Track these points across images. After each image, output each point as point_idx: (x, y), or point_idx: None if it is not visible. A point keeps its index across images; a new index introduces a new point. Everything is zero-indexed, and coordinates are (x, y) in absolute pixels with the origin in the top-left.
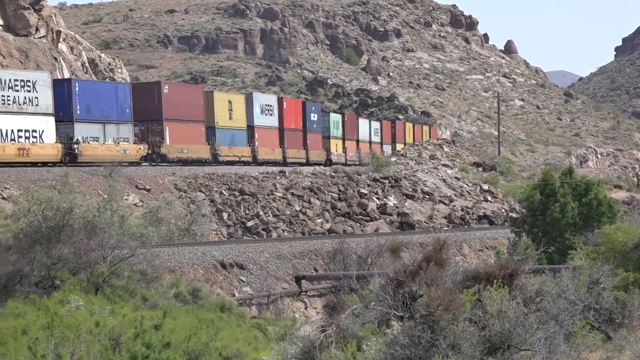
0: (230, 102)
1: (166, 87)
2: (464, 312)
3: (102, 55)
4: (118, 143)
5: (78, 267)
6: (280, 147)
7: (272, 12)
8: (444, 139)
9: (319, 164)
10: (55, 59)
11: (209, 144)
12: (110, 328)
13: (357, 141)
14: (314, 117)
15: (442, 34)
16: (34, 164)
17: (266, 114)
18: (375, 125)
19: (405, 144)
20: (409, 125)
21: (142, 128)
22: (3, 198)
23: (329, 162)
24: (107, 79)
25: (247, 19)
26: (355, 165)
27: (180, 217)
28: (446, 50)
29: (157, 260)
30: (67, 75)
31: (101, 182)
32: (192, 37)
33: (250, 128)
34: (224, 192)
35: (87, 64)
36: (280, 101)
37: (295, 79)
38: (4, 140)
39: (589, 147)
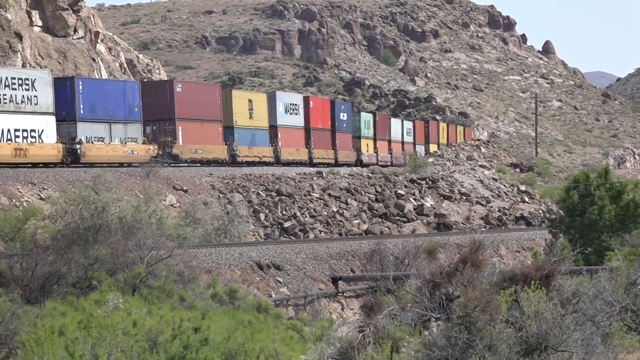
0: (250, 101)
1: (179, 85)
2: (500, 313)
3: (140, 56)
4: (125, 143)
5: (115, 267)
6: (307, 147)
7: (310, 12)
8: (478, 139)
9: (348, 165)
10: (94, 59)
11: (226, 144)
12: (147, 329)
13: (389, 141)
14: (343, 116)
15: (479, 35)
16: (35, 165)
17: (291, 114)
18: (408, 125)
19: (438, 145)
20: (442, 125)
21: (155, 128)
22: (41, 199)
23: (359, 163)
24: (145, 80)
25: (285, 20)
26: (387, 165)
27: (217, 218)
28: (484, 51)
29: (194, 261)
30: (105, 76)
31: (139, 182)
32: (230, 38)
33: (273, 128)
34: (261, 192)
35: (125, 65)
36: (306, 100)
37: (332, 80)
38: (0, 140)
39: (627, 148)
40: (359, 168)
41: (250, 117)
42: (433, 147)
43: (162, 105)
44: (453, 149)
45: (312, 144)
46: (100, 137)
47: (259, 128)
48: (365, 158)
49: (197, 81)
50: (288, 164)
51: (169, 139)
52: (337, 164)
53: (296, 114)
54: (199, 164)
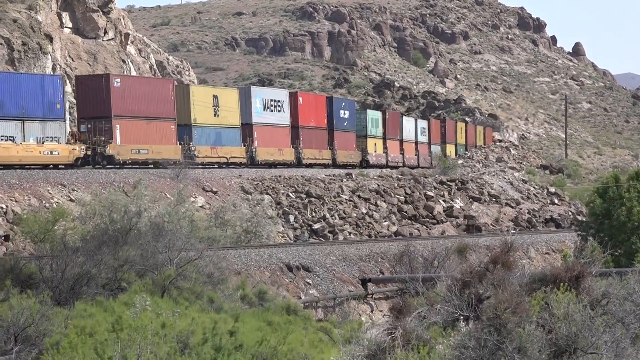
0: (215, 97)
1: (117, 79)
2: (530, 315)
3: (170, 57)
4: (42, 143)
5: (145, 269)
6: (293, 147)
7: (340, 14)
8: (499, 140)
9: (351, 166)
10: (124, 61)
11: (181, 144)
12: (177, 330)
13: (401, 141)
14: (344, 114)
15: (509, 36)
16: None
17: (272, 111)
18: (423, 124)
19: (456, 145)
20: (460, 125)
21: (89, 126)
22: (71, 200)
23: (364, 164)
24: (175, 81)
25: (314, 22)
26: (399, 166)
27: (246, 219)
28: (514, 53)
29: (223, 263)
30: None
31: (169, 184)
32: (259, 40)
33: (248, 126)
34: (290, 194)
35: (154, 67)
36: (293, 96)
37: (362, 82)
38: None
39: None
40: (389, 170)
41: (215, 114)
42: (450, 148)
43: (98, 102)
44: (482, 150)
45: (302, 143)
46: (10, 137)
47: (227, 126)
48: (373, 159)
49: (146, 77)
50: (266, 164)
51: (102, 138)
52: (335, 164)
53: (279, 110)
54: (151, 166)
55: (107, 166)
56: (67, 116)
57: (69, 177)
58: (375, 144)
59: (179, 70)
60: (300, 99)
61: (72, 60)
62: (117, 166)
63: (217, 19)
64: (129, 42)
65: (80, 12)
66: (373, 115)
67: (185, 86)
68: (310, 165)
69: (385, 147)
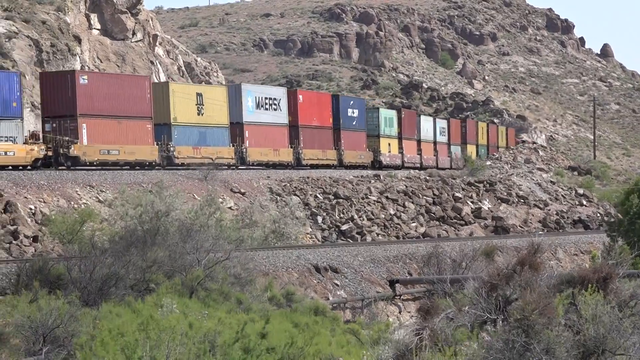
0: (200, 95)
1: (84, 77)
2: (558, 317)
3: (198, 59)
4: None
5: (173, 270)
6: (291, 147)
7: (368, 15)
8: (523, 141)
9: (360, 167)
10: (152, 62)
11: (157, 144)
12: (205, 331)
13: (419, 141)
14: (352, 112)
15: (537, 38)
16: None
17: (266, 109)
18: (442, 123)
19: (477, 146)
20: (482, 125)
21: (54, 125)
22: (99, 201)
23: (377, 165)
24: (203, 82)
25: (342, 23)
26: (416, 168)
27: (274, 221)
28: (542, 54)
29: (251, 264)
30: (163, 79)
31: (196, 185)
32: (287, 41)
33: (238, 125)
34: (318, 195)
35: (183, 68)
36: (292, 94)
37: (390, 83)
38: None
39: None
40: (417, 171)
41: (199, 113)
42: (471, 149)
43: (63, 100)
44: (511, 151)
45: (302, 143)
46: None
47: (213, 125)
48: (386, 159)
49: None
50: (259, 165)
51: (66, 138)
52: (342, 165)
53: (275, 109)
54: (127, 167)
55: (72, 168)
56: (25, 114)
57: (98, 178)
58: (389, 144)
59: (207, 71)
60: (301, 97)
61: (101, 61)
62: (82, 167)
63: (245, 21)
64: (157, 43)
65: (109, 13)
66: (386, 114)
67: (164, 84)
68: (315, 167)
69: (400, 148)
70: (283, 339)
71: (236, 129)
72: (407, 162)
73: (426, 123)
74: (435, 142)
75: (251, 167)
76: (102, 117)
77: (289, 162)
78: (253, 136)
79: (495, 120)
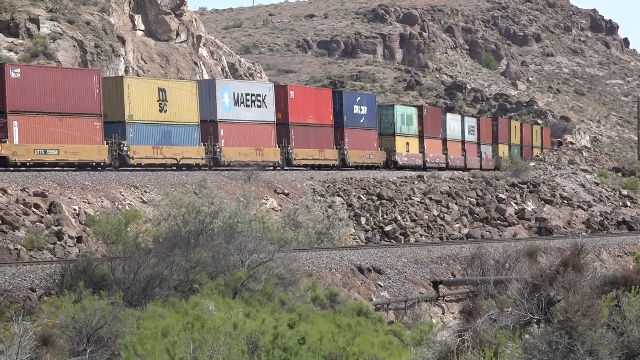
0: (162, 90)
1: (16, 70)
2: (601, 318)
3: (242, 60)
4: None
5: (216, 271)
6: (279, 146)
7: (412, 16)
8: (559, 141)
9: (370, 167)
10: (196, 63)
11: (108, 143)
12: (249, 332)
13: (444, 140)
14: (360, 109)
15: (581, 39)
16: None
17: (247, 106)
18: (471, 122)
19: (510, 146)
20: (515, 124)
21: None
22: (143, 202)
23: (392, 165)
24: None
25: (386, 24)
26: (442, 168)
27: (318, 222)
28: (586, 55)
29: (294, 264)
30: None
31: (240, 186)
32: (331, 42)
33: (212, 123)
34: (362, 196)
35: (227, 69)
36: (282, 90)
37: (434, 84)
38: None
39: None
40: (460, 172)
41: (162, 110)
42: (503, 148)
43: None
44: (555, 153)
45: (292, 142)
46: None
47: (179, 123)
48: (403, 159)
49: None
50: (238, 166)
51: None
52: (345, 166)
53: (259, 106)
54: (72, 169)
55: (1, 168)
56: None
57: (142, 178)
58: (407, 143)
59: (250, 72)
60: (292, 93)
61: (145, 62)
62: (14, 169)
63: (288, 21)
64: (201, 44)
65: (153, 14)
66: (403, 111)
67: (118, 78)
68: (314, 167)
69: (422, 147)
70: (324, 339)
71: (209, 127)
72: (429, 162)
73: (453, 121)
74: (463, 142)
75: (229, 168)
76: (38, 114)
77: (276, 162)
78: (230, 135)
79: (539, 121)
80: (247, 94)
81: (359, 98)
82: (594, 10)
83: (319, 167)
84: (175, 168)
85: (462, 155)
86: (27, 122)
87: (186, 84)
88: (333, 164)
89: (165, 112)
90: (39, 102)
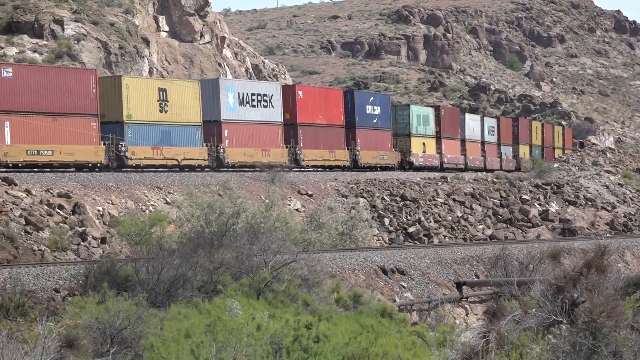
0: (163, 90)
1: (8, 69)
2: (625, 319)
3: (266, 61)
4: None
5: (240, 272)
6: (287, 147)
7: (436, 18)
8: (580, 141)
9: (384, 168)
10: (220, 64)
11: (105, 144)
12: (272, 333)
13: (463, 141)
14: (373, 110)
15: (606, 40)
16: None
17: (253, 106)
18: (491, 122)
19: (531, 147)
20: (536, 124)
21: None
22: (167, 203)
23: (407, 165)
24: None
25: (410, 25)
26: (460, 169)
27: (342, 223)
28: (610, 56)
29: (318, 266)
30: None
31: (263, 187)
32: (355, 43)
33: (216, 123)
34: (385, 197)
35: (251, 70)
36: (290, 90)
37: (458, 85)
38: None
39: None
40: (483, 173)
41: (162, 110)
42: (524, 149)
43: None
44: (578, 154)
45: (301, 142)
46: None
47: (181, 124)
48: (419, 160)
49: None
50: (244, 167)
51: None
52: (357, 166)
53: (265, 106)
54: (72, 169)
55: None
56: None
57: (165, 179)
58: (423, 144)
59: (274, 73)
60: (300, 92)
61: (169, 63)
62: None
63: (312, 23)
64: (225, 45)
65: (177, 15)
66: (420, 111)
67: (117, 77)
68: (324, 168)
69: (439, 147)
70: (346, 340)
71: (213, 127)
72: (447, 163)
73: (472, 122)
74: (483, 142)
75: (233, 169)
76: (31, 114)
77: (283, 163)
78: (234, 135)
79: (563, 122)
80: (252, 94)
81: (371, 98)
82: (618, 11)
83: (330, 168)
84: (178, 169)
85: (482, 156)
86: (19, 122)
87: (188, 83)
88: (344, 164)
89: (165, 112)
90: (32, 102)
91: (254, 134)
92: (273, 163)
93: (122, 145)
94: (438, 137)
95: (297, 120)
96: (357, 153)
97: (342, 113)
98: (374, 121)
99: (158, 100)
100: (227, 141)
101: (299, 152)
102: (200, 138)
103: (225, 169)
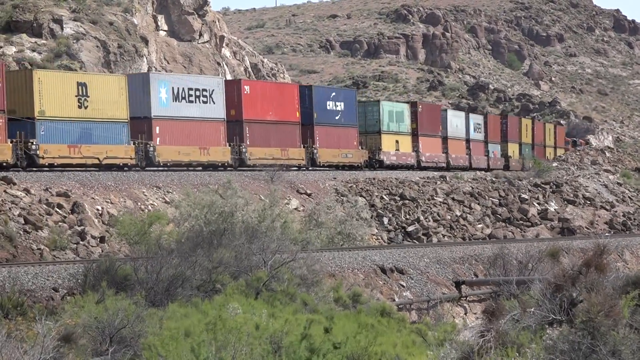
0: (82, 85)
1: None
2: (623, 318)
3: (265, 60)
4: None
5: (239, 271)
6: (229, 145)
7: (434, 17)
8: (574, 139)
9: (351, 167)
10: (219, 63)
11: (12, 141)
12: (271, 332)
13: (445, 138)
14: (334, 106)
15: (604, 39)
16: None
17: (190, 101)
18: (477, 119)
19: (520, 145)
20: (526, 122)
21: None
22: (166, 202)
23: (376, 164)
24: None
25: (409, 24)
26: (442, 168)
27: (340, 222)
28: (609, 55)
29: (317, 265)
30: None
31: (263, 186)
32: (354, 42)
33: (146, 120)
34: (384, 196)
35: (249, 69)
36: (234, 85)
37: (456, 84)
38: None
39: None
40: (483, 172)
41: (82, 105)
42: (513, 148)
43: None
44: (577, 153)
45: (248, 140)
46: None
47: (103, 120)
48: (390, 158)
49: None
50: (177, 166)
51: None
52: (315, 165)
53: (205, 101)
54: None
55: None
56: None
57: (164, 179)
58: (396, 142)
59: (273, 72)
60: (247, 87)
61: (168, 62)
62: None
63: (311, 22)
64: (224, 44)
65: (176, 15)
66: (392, 107)
67: (27, 71)
68: (274, 167)
69: (416, 145)
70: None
71: (143, 124)
72: (425, 162)
73: (455, 118)
74: (468, 140)
75: (166, 168)
76: None
77: (226, 162)
78: (167, 132)
79: (562, 122)
80: (190, 89)
81: (333, 94)
82: (617, 11)
83: (281, 167)
84: (105, 168)
85: (467, 154)
86: None
87: (112, 78)
88: (299, 163)
89: (85, 108)
90: None
91: (192, 131)
92: (213, 162)
93: (32, 143)
94: (415, 135)
95: (242, 117)
96: (315, 151)
97: (298, 109)
98: (337, 118)
99: (77, 96)
100: (158, 139)
101: (244, 150)
102: (127, 136)
103: (156, 168)
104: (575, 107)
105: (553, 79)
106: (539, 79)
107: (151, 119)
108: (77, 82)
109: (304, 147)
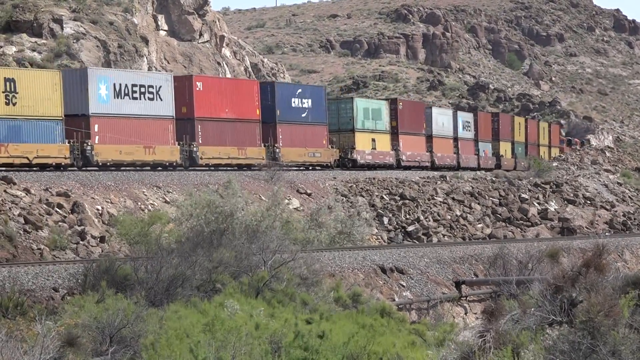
0: (10, 81)
1: None
2: (623, 318)
3: (265, 60)
4: None
5: (239, 270)
6: (179, 144)
7: (435, 16)
8: (569, 138)
9: (319, 167)
10: (219, 63)
11: None
12: (271, 331)
13: (430, 137)
14: (300, 103)
15: (605, 39)
16: None
17: (134, 98)
18: (466, 117)
19: (513, 143)
20: (519, 120)
21: None
22: (166, 202)
23: (350, 164)
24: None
25: (409, 24)
26: (426, 167)
27: (341, 222)
28: (609, 55)
29: (317, 265)
30: None
31: (263, 186)
32: (354, 42)
33: (82, 117)
34: (384, 196)
35: (249, 69)
36: (185, 81)
37: (457, 84)
38: None
39: None
40: (483, 172)
41: (10, 102)
42: (505, 146)
43: None
44: (577, 153)
45: (200, 139)
46: None
47: (34, 118)
48: (365, 157)
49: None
50: (116, 165)
51: None
52: (287, 166)
53: (151, 99)
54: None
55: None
56: None
57: (164, 178)
58: (372, 140)
59: (273, 72)
60: (199, 84)
61: (168, 62)
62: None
63: (311, 22)
64: (224, 44)
65: (176, 14)
66: (368, 105)
67: None
68: (230, 167)
69: (396, 144)
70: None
71: (80, 122)
72: (406, 161)
73: (441, 116)
74: (456, 139)
75: (105, 168)
76: None
77: (174, 161)
78: (107, 131)
79: (562, 122)
80: (134, 85)
81: (299, 90)
82: (618, 10)
83: (238, 167)
84: (37, 168)
85: (455, 153)
86: None
87: (45, 73)
88: (258, 162)
89: (13, 104)
90: None
91: (135, 129)
92: (159, 161)
93: None
94: (395, 133)
95: (194, 114)
96: (278, 150)
97: (258, 107)
98: (303, 115)
99: (4, 92)
100: (97, 137)
101: (195, 149)
102: (61, 134)
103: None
104: (575, 107)
105: (553, 78)
106: (539, 78)
107: (89, 117)
108: (5, 77)
109: (264, 146)
